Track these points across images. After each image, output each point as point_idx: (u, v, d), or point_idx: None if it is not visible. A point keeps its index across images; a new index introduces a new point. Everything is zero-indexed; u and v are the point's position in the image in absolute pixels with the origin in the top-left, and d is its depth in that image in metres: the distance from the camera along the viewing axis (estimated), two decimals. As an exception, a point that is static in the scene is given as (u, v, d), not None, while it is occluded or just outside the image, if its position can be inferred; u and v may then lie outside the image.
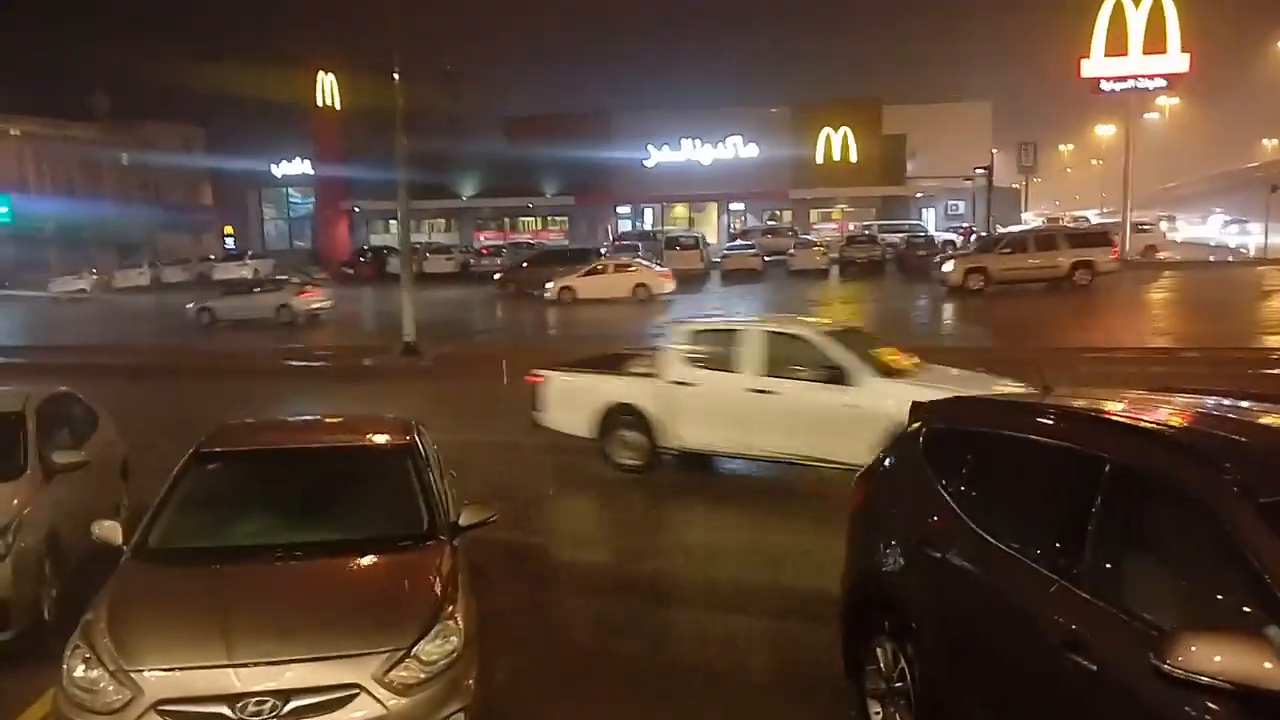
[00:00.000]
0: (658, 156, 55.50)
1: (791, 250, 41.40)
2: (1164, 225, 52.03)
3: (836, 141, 53.51)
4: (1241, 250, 44.37)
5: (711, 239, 49.63)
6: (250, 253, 55.38)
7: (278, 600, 4.54)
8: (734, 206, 57.38)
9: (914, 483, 4.65)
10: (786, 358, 9.55)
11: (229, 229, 66.49)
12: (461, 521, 5.23)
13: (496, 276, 38.13)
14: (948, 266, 30.85)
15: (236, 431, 6.30)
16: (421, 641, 4.28)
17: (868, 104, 54.36)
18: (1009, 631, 3.68)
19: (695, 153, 55.27)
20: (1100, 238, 31.56)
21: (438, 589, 4.63)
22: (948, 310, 26.95)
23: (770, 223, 54.03)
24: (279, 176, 62.78)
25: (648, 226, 56.38)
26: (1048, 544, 3.65)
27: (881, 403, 8.57)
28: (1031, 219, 67.27)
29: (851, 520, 5.12)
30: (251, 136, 56.69)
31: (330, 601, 4.55)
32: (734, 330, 10.25)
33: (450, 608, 4.51)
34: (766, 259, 40.30)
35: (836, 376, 9.18)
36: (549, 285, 32.24)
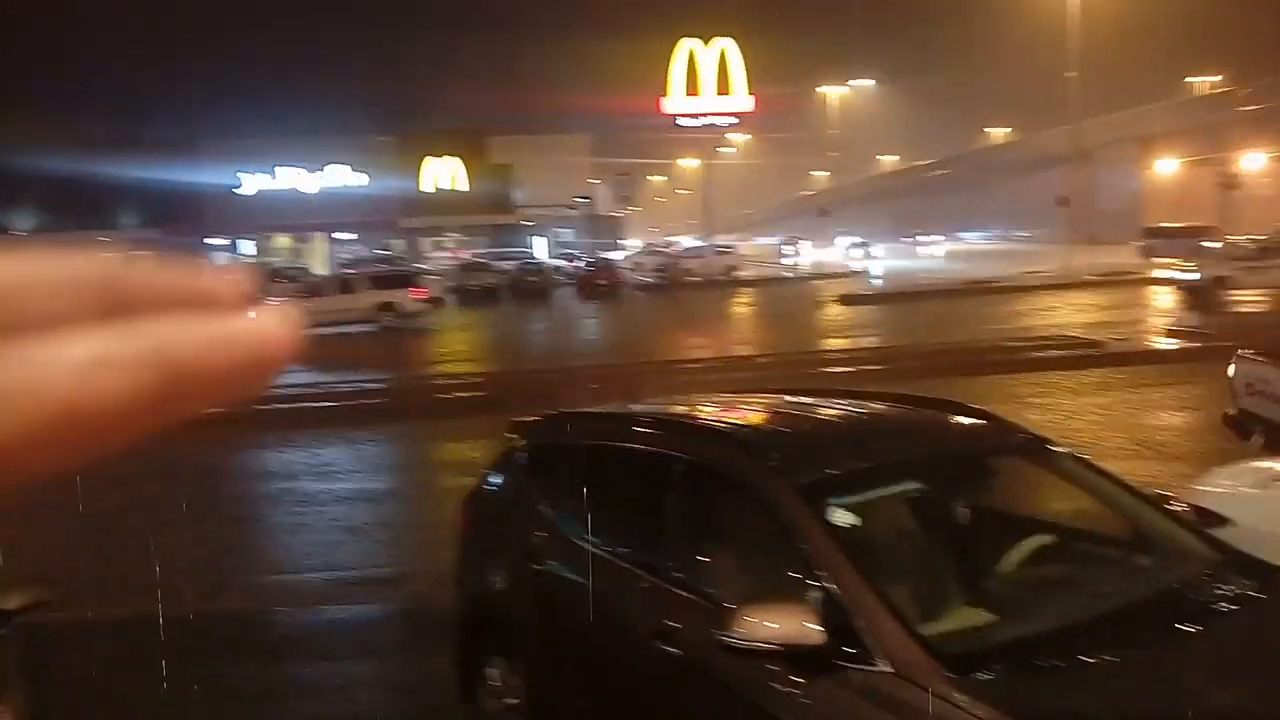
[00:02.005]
0: (253, 184, 52.33)
1: (406, 279, 40.87)
2: (787, 249, 55.67)
3: (444, 171, 53.93)
4: (797, 266, 50.53)
5: (320, 270, 47.72)
6: None
7: None
8: (342, 236, 55.66)
9: (517, 500, 4.75)
10: None
11: None
12: (9, 606, 4.48)
13: None
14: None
15: None
16: None
17: (473, 134, 55.40)
18: (606, 631, 3.86)
19: (296, 181, 52.89)
20: (403, 279, 30.94)
21: None
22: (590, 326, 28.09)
23: (381, 252, 53.08)
24: None
25: (248, 257, 52.95)
26: (636, 543, 3.90)
27: None
28: (634, 245, 72.18)
29: (460, 544, 5.12)
30: None
31: None
32: None
33: None
34: (380, 289, 39.47)
35: None
36: None
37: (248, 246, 55.24)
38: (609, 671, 3.84)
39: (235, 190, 52.20)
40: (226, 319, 0.24)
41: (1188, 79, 65.79)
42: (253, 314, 0.24)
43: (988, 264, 39.97)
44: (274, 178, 52.85)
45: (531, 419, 5.21)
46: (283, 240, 55.67)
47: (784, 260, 49.53)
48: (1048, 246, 40.67)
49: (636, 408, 4.86)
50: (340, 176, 53.45)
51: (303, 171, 53.09)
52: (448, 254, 53.67)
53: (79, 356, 0.22)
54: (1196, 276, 21.92)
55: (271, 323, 0.24)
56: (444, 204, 53.45)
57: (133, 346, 0.23)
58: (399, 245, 54.80)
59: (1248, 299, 20.94)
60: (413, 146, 53.93)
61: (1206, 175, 41.67)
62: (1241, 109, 42.69)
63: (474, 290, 40.11)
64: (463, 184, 54.00)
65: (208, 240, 54.10)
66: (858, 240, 57.36)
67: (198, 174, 49.74)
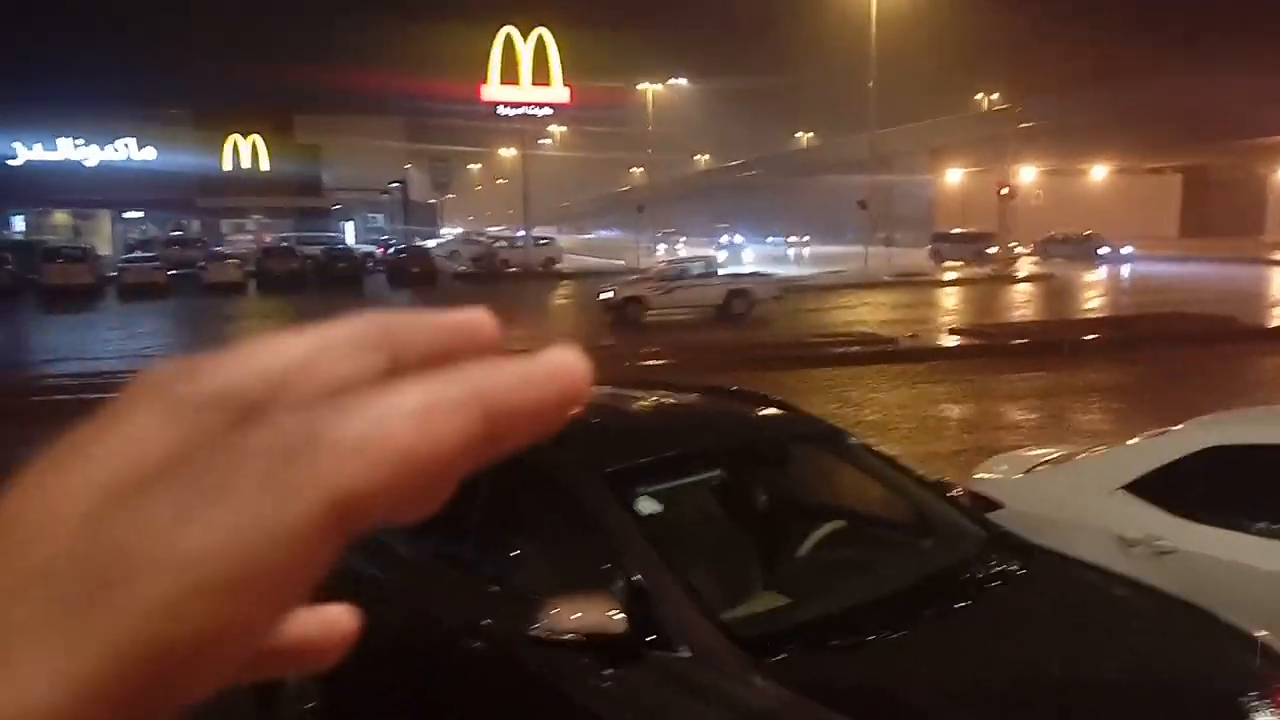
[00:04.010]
0: (28, 155, 47.83)
1: (202, 263, 38.58)
2: (662, 247, 53.99)
3: (246, 149, 51.11)
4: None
5: (105, 250, 44.25)
6: None
7: None
8: (131, 215, 51.78)
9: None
10: None
11: None
12: None
13: None
14: None
15: None
16: None
17: (278, 112, 52.83)
18: (411, 628, 3.77)
19: (77, 153, 48.69)
20: None
21: None
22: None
23: (176, 233, 49.77)
24: None
25: (18, 234, 48.36)
26: (443, 538, 3.83)
27: None
28: (450, 233, 70.83)
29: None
30: None
31: None
32: None
33: None
34: (174, 273, 37.00)
35: None
36: None
37: (18, 223, 50.49)
38: (415, 669, 3.75)
39: (7, 161, 47.53)
40: (530, 358, 0.25)
41: (977, 95, 71.04)
42: (551, 352, 0.25)
43: (831, 264, 41.13)
44: (54, 149, 48.42)
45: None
46: (61, 217, 51.18)
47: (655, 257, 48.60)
48: (876, 249, 42.65)
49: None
50: (129, 151, 49.63)
51: (85, 144, 48.94)
52: (249, 237, 50.93)
53: (413, 405, 0.24)
54: (611, 295, 22.62)
55: (569, 358, 0.25)
56: (246, 184, 50.64)
57: (456, 390, 0.24)
58: (195, 226, 51.59)
59: (663, 316, 21.61)
60: (211, 122, 50.81)
61: (989, 185, 45.19)
62: (1018, 125, 46.52)
63: (278, 275, 38.18)
64: (265, 163, 51.34)
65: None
66: (734, 239, 57.43)
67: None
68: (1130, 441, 4.83)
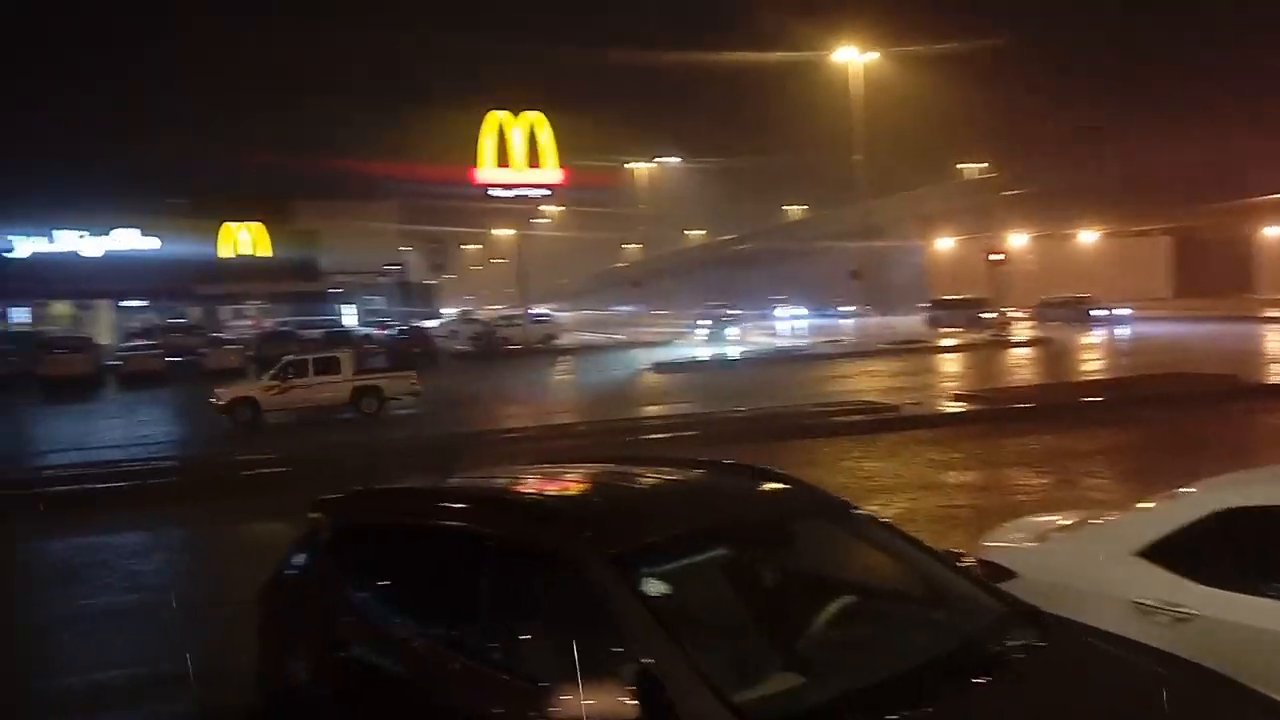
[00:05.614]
0: (26, 247, 48.38)
1: (202, 350, 38.71)
2: (705, 321, 48.99)
3: (245, 236, 51.76)
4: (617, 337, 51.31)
5: (105, 339, 44.42)
6: None
7: None
8: (131, 304, 52.16)
9: (321, 586, 4.47)
10: None
11: None
12: None
13: None
14: None
15: None
16: None
17: (276, 198, 53.60)
18: (419, 718, 3.68)
19: (77, 244, 49.28)
20: None
21: None
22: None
23: (176, 320, 50.08)
24: None
25: (19, 326, 48.64)
26: (450, 625, 3.75)
27: None
28: (449, 312, 71.26)
29: (259, 637, 4.77)
30: None
31: None
32: None
33: None
34: (173, 360, 37.12)
35: None
36: None
37: (21, 315, 50.78)
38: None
39: (6, 254, 48.06)
40: None
41: (959, 165, 72.11)
42: None
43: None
44: (53, 241, 49.04)
45: (337, 496, 4.96)
46: (61, 308, 51.51)
47: (697, 334, 46.17)
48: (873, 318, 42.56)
49: (447, 483, 4.72)
50: (129, 240, 50.20)
51: (85, 235, 49.55)
52: (249, 322, 51.23)
53: None
54: (215, 399, 21.07)
55: None
56: (246, 270, 51.13)
57: None
58: (195, 313, 51.93)
59: (282, 418, 20.61)
60: (210, 210, 51.50)
61: (980, 250, 45.63)
62: (1003, 192, 47.20)
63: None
64: (265, 250, 51.93)
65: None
66: (792, 309, 55.49)
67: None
68: (1142, 505, 4.77)
